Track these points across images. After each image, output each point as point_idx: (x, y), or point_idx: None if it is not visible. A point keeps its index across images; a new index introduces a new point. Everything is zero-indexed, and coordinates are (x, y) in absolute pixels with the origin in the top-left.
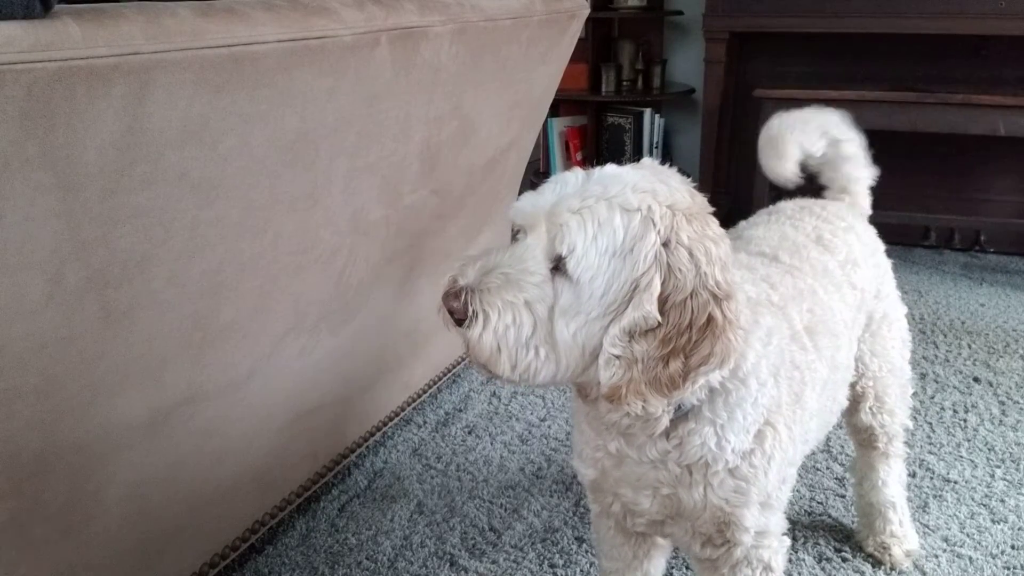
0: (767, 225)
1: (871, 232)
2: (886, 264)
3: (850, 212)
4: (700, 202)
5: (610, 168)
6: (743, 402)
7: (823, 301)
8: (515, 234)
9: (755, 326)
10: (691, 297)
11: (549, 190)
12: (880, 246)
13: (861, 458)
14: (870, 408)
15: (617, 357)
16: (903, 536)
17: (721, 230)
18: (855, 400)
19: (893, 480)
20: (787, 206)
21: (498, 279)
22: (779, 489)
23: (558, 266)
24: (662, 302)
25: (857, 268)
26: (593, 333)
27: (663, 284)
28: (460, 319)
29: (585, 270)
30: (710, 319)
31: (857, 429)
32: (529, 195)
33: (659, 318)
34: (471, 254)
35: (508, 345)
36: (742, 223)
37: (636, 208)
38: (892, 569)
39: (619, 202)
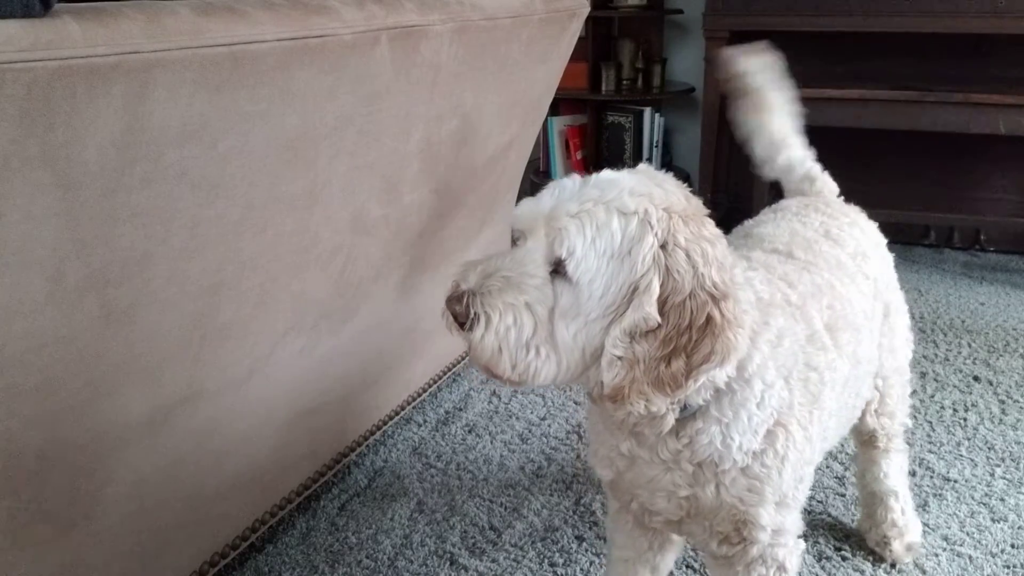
0: (775, 222)
1: (872, 226)
2: (889, 258)
3: (851, 208)
4: (696, 204)
5: (606, 173)
6: (747, 402)
7: (842, 295)
8: (515, 240)
9: (764, 328)
10: (690, 298)
11: (547, 195)
12: (882, 240)
13: (862, 455)
14: (874, 411)
15: (619, 358)
16: (905, 526)
17: (717, 231)
18: None
19: (895, 471)
20: (791, 203)
21: (499, 282)
22: (795, 488)
23: (558, 269)
24: (661, 303)
25: (867, 259)
26: (593, 334)
27: (662, 286)
28: (463, 322)
29: (584, 272)
30: (709, 319)
31: (858, 431)
32: (528, 201)
33: (659, 319)
34: (473, 259)
35: (509, 346)
36: (748, 222)
37: (633, 211)
38: (892, 566)
39: (616, 206)
